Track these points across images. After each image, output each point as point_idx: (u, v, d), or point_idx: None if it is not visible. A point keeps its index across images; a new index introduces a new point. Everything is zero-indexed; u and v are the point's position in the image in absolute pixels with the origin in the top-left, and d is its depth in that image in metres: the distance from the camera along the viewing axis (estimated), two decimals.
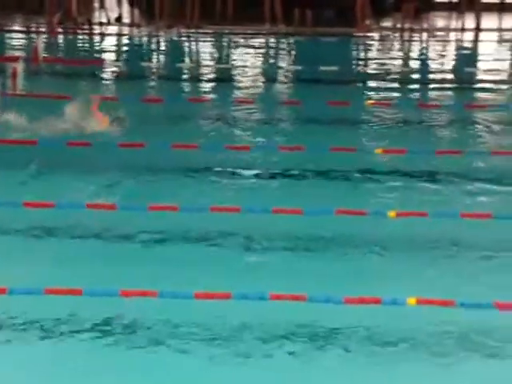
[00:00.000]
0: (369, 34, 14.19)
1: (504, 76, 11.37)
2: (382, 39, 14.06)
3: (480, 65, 12.37)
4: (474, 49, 13.95)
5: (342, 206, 5.34)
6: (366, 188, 6.32)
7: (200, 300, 4.14)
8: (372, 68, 11.90)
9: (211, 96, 9.98)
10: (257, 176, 6.57)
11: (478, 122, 8.30)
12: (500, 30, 14.83)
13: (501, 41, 14.15)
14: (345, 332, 4.07)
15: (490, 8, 15.35)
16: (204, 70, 11.72)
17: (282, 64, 12.29)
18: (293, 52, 13.56)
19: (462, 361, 3.88)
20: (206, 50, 13.37)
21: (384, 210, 5.41)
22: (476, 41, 14.15)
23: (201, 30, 14.18)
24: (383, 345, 3.98)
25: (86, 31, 14.42)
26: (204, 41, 13.81)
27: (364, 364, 3.85)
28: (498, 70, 11.52)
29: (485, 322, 4.14)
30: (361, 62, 12.74)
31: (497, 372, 3.85)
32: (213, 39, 13.97)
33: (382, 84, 10.57)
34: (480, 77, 11.13)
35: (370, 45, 13.85)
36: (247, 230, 5.25)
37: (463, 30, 14.58)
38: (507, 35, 14.27)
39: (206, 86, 10.74)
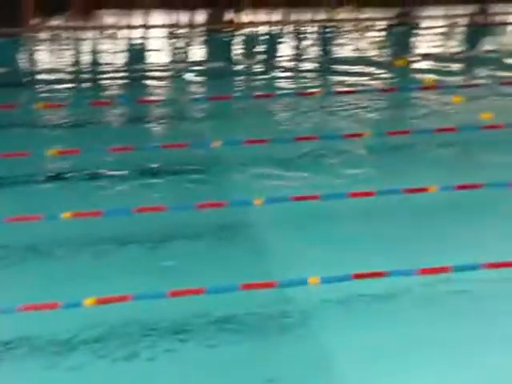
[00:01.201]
0: (37, 34, 13.91)
1: (173, 71, 11.74)
2: (51, 39, 13.85)
3: (151, 60, 12.64)
4: (144, 45, 14.23)
5: None
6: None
7: None
8: (43, 69, 11.69)
9: None
10: None
11: (149, 116, 8.52)
12: (166, 26, 15.26)
13: (169, 37, 14.57)
14: None
15: (158, 5, 15.74)
16: None
17: None
18: None
19: None
20: None
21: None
22: (145, 37, 14.44)
23: None
24: None
25: None
26: None
27: None
28: (166, 65, 11.89)
29: None
30: (30, 64, 12.45)
31: None
32: None
33: (54, 86, 10.42)
34: (150, 72, 11.40)
35: (40, 44, 13.58)
36: None
37: (133, 27, 14.80)
38: (174, 31, 14.74)
39: None
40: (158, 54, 12.88)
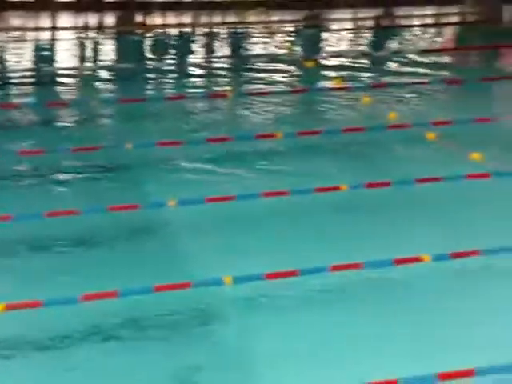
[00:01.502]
0: None
1: (82, 73, 11.63)
2: None
3: (60, 62, 12.48)
4: (53, 47, 14.03)
5: None
6: None
7: None
8: None
9: None
10: None
11: (59, 119, 8.43)
12: (75, 28, 15.08)
13: (78, 39, 14.40)
14: None
15: (66, 7, 15.55)
16: None
17: None
18: None
19: None
20: None
21: None
22: (53, 39, 14.24)
23: None
24: None
25: None
26: None
27: None
28: (76, 67, 11.78)
29: None
30: None
31: None
32: None
33: None
34: (59, 75, 11.27)
35: None
36: None
37: (40, 29, 14.57)
38: (84, 33, 14.59)
39: None
40: (68, 56, 12.72)
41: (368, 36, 15.56)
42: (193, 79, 11.05)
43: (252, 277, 4.56)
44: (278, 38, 14.94)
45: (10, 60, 12.53)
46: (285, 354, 4.14)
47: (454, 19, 16.94)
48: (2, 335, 4.21)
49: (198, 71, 11.62)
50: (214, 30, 15.24)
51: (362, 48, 13.94)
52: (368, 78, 11.03)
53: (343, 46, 14.04)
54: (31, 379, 3.92)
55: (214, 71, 11.74)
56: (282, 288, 4.71)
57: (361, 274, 4.87)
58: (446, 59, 12.57)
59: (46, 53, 13.45)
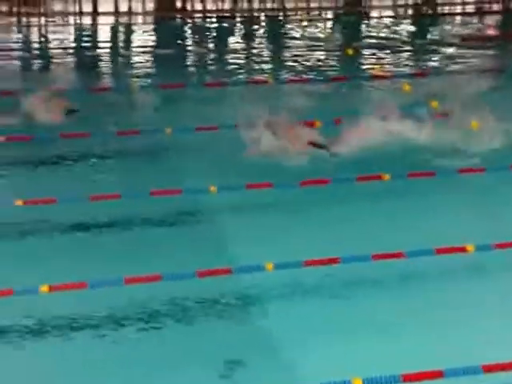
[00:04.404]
0: None
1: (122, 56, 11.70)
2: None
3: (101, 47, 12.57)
4: (95, 32, 14.13)
5: None
6: None
7: None
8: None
9: None
10: None
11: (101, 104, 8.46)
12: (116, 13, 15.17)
13: (120, 24, 14.50)
14: None
15: None
16: None
17: None
18: None
19: None
20: None
21: None
22: (95, 24, 14.34)
23: None
24: None
25: None
26: None
27: None
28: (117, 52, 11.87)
29: None
30: None
31: None
32: None
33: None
34: (100, 59, 11.35)
35: None
36: None
37: (81, 13, 14.69)
38: (123, 18, 14.68)
39: None
40: (108, 40, 12.81)
41: (408, 23, 15.45)
42: (232, 65, 11.05)
43: (293, 263, 4.56)
44: (318, 24, 14.89)
45: (51, 43, 12.64)
46: (326, 341, 4.15)
47: (496, 7, 16.77)
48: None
49: (237, 58, 11.62)
50: (254, 16, 15.23)
51: (402, 35, 13.85)
52: (408, 65, 10.95)
53: (383, 33, 13.95)
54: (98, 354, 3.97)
55: (253, 58, 11.73)
56: (324, 274, 4.71)
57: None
58: (488, 47, 12.42)
59: (88, 38, 13.56)
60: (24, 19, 14.05)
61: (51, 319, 4.23)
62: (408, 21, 15.65)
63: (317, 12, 15.84)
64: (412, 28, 15.02)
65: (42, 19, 14.16)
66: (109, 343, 4.08)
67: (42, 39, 13.18)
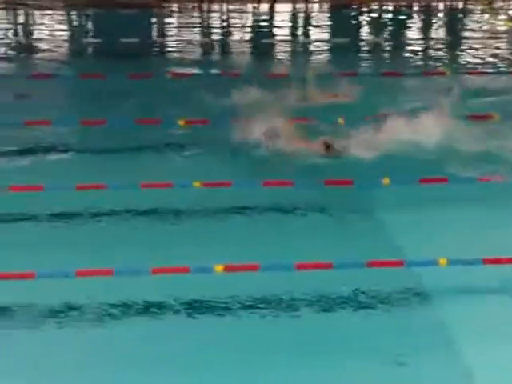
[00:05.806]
0: (167, 5, 14.13)
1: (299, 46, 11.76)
2: (180, 10, 14.06)
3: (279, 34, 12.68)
4: (271, 19, 14.26)
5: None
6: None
7: None
8: (173, 40, 11.89)
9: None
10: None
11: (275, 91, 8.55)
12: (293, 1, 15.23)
13: (297, 11, 14.56)
14: None
15: None
16: None
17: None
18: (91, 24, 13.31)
19: None
20: None
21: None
22: (273, 11, 14.46)
23: None
24: None
25: None
26: None
27: None
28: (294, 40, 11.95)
29: None
30: (160, 34, 12.70)
31: None
32: None
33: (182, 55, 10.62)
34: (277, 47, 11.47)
35: (170, 16, 13.80)
36: None
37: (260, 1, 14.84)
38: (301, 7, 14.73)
39: None
40: (285, 28, 12.91)
41: None
42: (407, 56, 10.88)
43: (468, 261, 4.47)
44: (499, 14, 14.38)
45: (232, 30, 12.86)
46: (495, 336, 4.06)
47: None
48: None
49: (413, 47, 11.42)
50: (432, 4, 14.89)
51: None
52: None
53: None
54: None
55: (429, 48, 11.49)
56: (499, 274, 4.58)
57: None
58: None
59: (263, 25, 13.70)
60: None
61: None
62: None
63: (501, 3, 15.28)
64: None
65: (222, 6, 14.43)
66: None
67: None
